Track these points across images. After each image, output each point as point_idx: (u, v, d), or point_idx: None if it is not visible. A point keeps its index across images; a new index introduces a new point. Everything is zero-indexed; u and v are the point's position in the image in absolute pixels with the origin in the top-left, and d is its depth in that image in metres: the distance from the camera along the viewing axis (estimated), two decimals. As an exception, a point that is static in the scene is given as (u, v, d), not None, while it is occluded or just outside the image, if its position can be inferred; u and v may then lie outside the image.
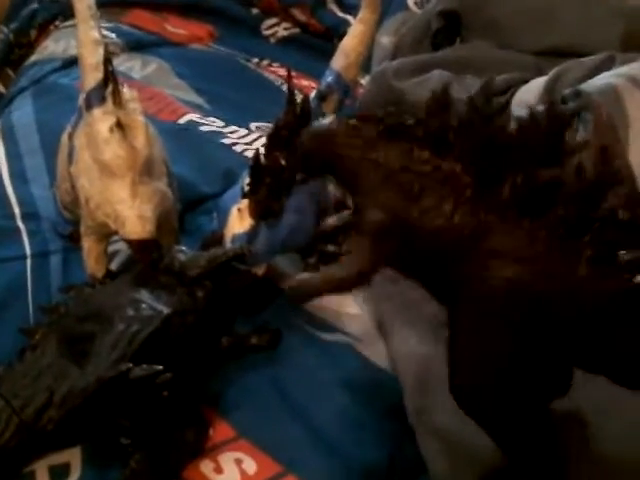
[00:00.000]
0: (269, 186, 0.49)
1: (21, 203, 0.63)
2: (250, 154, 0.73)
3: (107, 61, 0.47)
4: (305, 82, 0.84)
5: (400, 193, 0.36)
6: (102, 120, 0.46)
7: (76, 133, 0.50)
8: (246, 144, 0.75)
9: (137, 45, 0.95)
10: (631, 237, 0.32)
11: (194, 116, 0.78)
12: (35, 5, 1.05)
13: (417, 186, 0.35)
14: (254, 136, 0.76)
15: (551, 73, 0.59)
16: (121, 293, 0.43)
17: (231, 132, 0.76)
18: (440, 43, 0.75)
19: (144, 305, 0.41)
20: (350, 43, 0.64)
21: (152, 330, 0.40)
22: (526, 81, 0.61)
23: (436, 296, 0.38)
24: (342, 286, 0.38)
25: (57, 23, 1.04)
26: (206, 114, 0.79)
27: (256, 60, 0.95)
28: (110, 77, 0.46)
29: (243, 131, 0.77)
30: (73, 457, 0.41)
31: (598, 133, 0.47)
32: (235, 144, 0.74)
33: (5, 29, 1.10)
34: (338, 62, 0.64)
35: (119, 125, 0.45)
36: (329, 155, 0.38)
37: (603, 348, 0.34)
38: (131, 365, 0.38)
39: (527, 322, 0.34)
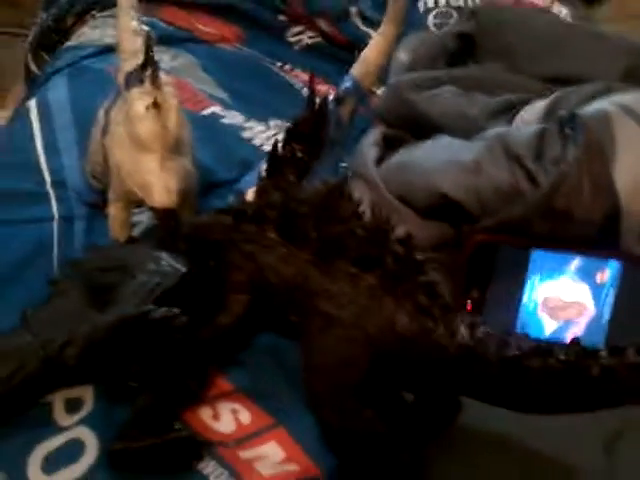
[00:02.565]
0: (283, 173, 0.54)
1: (51, 172, 0.68)
2: (267, 148, 0.78)
3: (149, 47, 0.52)
4: (324, 88, 0.89)
5: (247, 259, 0.47)
6: (140, 99, 0.51)
7: (113, 109, 0.55)
8: (264, 139, 0.79)
9: (168, 39, 1.00)
10: (409, 267, 0.43)
11: (217, 109, 0.83)
12: (75, -6, 1.11)
13: (252, 251, 0.47)
14: (272, 132, 0.81)
15: (552, 96, 0.63)
16: (143, 251, 0.47)
17: (251, 127, 0.81)
18: (454, 63, 0.80)
19: (164, 262, 0.45)
20: (370, 54, 0.69)
21: (171, 284, 0.44)
22: (528, 102, 0.66)
23: (288, 336, 0.48)
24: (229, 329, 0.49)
25: (94, 13, 1.09)
26: (228, 108, 0.84)
27: (280, 64, 1.00)
28: (150, 61, 0.51)
29: (262, 127, 0.82)
30: (86, 393, 0.46)
31: (587, 152, 0.52)
32: (254, 138, 0.79)
33: (44, 15, 1.16)
34: (357, 70, 0.69)
35: (155, 104, 0.50)
36: (205, 240, 0.50)
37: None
38: (152, 306, 0.42)
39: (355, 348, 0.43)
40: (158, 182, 0.50)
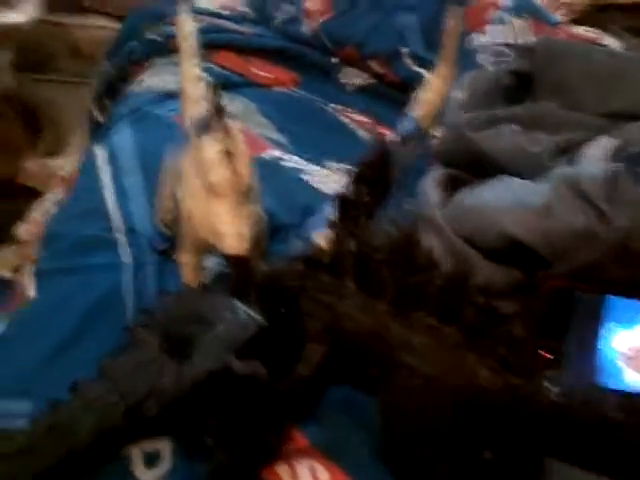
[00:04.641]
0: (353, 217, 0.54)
1: (120, 218, 0.70)
2: (326, 190, 0.79)
3: (216, 94, 0.53)
4: (387, 132, 0.90)
5: (323, 307, 0.47)
6: (211, 146, 0.52)
7: (183, 158, 0.57)
8: (323, 181, 0.80)
9: (223, 84, 1.02)
10: (489, 317, 0.43)
11: (277, 152, 0.84)
12: (134, 43, 1.15)
13: (330, 301, 0.47)
14: (330, 174, 0.82)
15: (620, 134, 0.63)
16: (218, 299, 0.48)
17: (310, 170, 0.82)
18: (510, 99, 0.80)
19: (241, 311, 0.46)
20: (428, 96, 0.70)
21: (251, 335, 0.44)
22: (590, 140, 0.65)
23: (363, 389, 0.48)
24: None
25: (151, 60, 1.13)
26: (288, 152, 0.85)
27: (333, 105, 1.02)
28: (220, 109, 0.53)
29: (321, 169, 0.83)
30: (164, 447, 0.46)
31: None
32: (312, 180, 0.80)
33: (107, 64, 1.21)
34: (416, 111, 0.69)
35: (226, 152, 0.51)
36: (278, 288, 0.50)
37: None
38: (235, 360, 0.42)
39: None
40: (231, 229, 0.50)
